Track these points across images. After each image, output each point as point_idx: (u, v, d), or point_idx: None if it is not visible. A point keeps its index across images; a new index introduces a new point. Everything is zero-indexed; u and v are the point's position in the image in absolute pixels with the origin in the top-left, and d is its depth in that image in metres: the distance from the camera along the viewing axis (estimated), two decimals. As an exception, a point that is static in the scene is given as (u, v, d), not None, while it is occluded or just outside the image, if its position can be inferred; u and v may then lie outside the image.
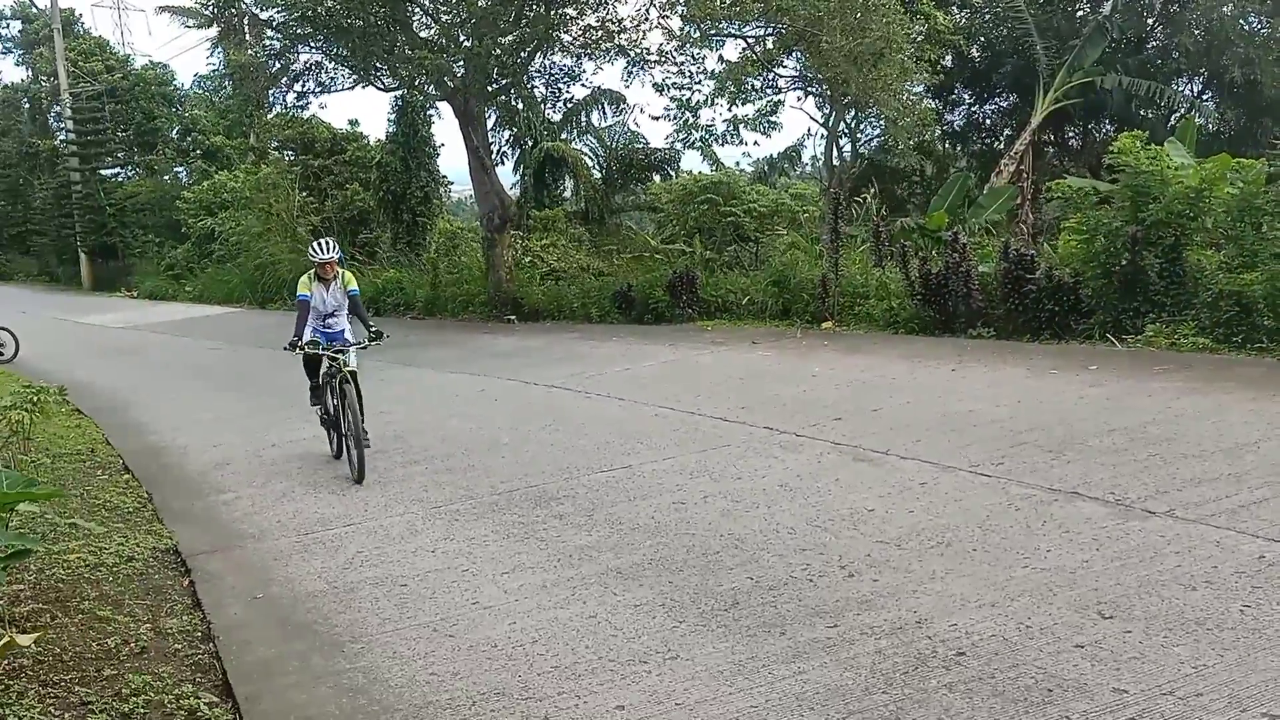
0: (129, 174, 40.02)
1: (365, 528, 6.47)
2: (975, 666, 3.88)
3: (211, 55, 21.23)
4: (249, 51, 19.64)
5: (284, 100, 22.17)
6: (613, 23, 18.64)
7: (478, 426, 9.22)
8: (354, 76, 20.53)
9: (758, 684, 3.92)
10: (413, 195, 26.10)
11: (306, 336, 8.19)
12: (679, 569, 5.19)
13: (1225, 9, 21.23)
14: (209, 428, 10.36)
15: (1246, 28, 21.43)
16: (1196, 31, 21.16)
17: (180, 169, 39.22)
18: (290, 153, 30.80)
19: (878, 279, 13.73)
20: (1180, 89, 22.42)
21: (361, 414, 7.78)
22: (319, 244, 8.31)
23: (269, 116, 23.94)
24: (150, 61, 40.83)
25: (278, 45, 19.83)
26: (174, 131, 40.07)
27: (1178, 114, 21.06)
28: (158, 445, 9.77)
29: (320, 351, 8.14)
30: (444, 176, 29.00)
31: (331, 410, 8.30)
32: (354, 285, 8.41)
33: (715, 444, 7.67)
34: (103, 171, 38.66)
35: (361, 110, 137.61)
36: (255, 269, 27.69)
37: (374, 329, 8.15)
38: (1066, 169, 20.04)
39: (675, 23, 19.10)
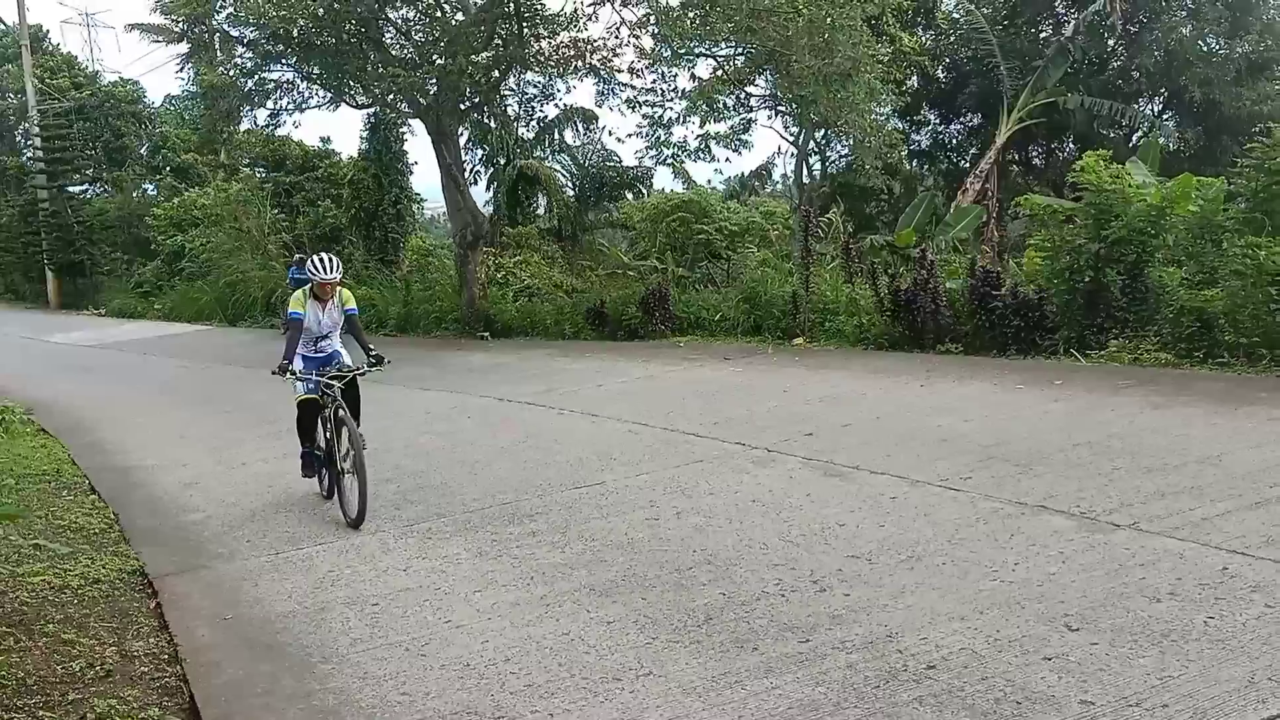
0: (97, 191, 39.62)
1: (336, 547, 6.43)
2: (945, 680, 3.92)
3: (181, 72, 21.10)
4: (220, 69, 19.55)
5: (255, 118, 22.06)
6: (584, 42, 18.75)
7: (450, 444, 9.20)
8: (327, 94, 20.49)
9: (731, 700, 3.93)
10: (385, 212, 26.05)
11: (297, 365, 7.28)
12: (652, 585, 5.20)
13: (1184, 30, 21.69)
14: (177, 446, 10.25)
15: (1205, 48, 21.90)
16: (1156, 52, 21.61)
17: (149, 186, 38.87)
18: (261, 170, 30.66)
19: (848, 296, 13.86)
20: (1141, 109, 22.85)
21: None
22: (320, 260, 7.24)
23: (240, 133, 23.80)
24: (120, 79, 40.47)
25: (249, 63, 19.77)
26: (143, 149, 39.74)
27: (1139, 133, 21.46)
28: (125, 465, 9.65)
29: (314, 378, 7.23)
30: (417, 194, 28.97)
31: (324, 443, 7.35)
32: (353, 304, 7.51)
33: (688, 460, 7.70)
34: (70, 188, 38.23)
35: (334, 127, 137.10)
36: (226, 286, 27.47)
37: (374, 352, 7.25)
38: (1031, 187, 20.34)
39: (647, 42, 19.25)
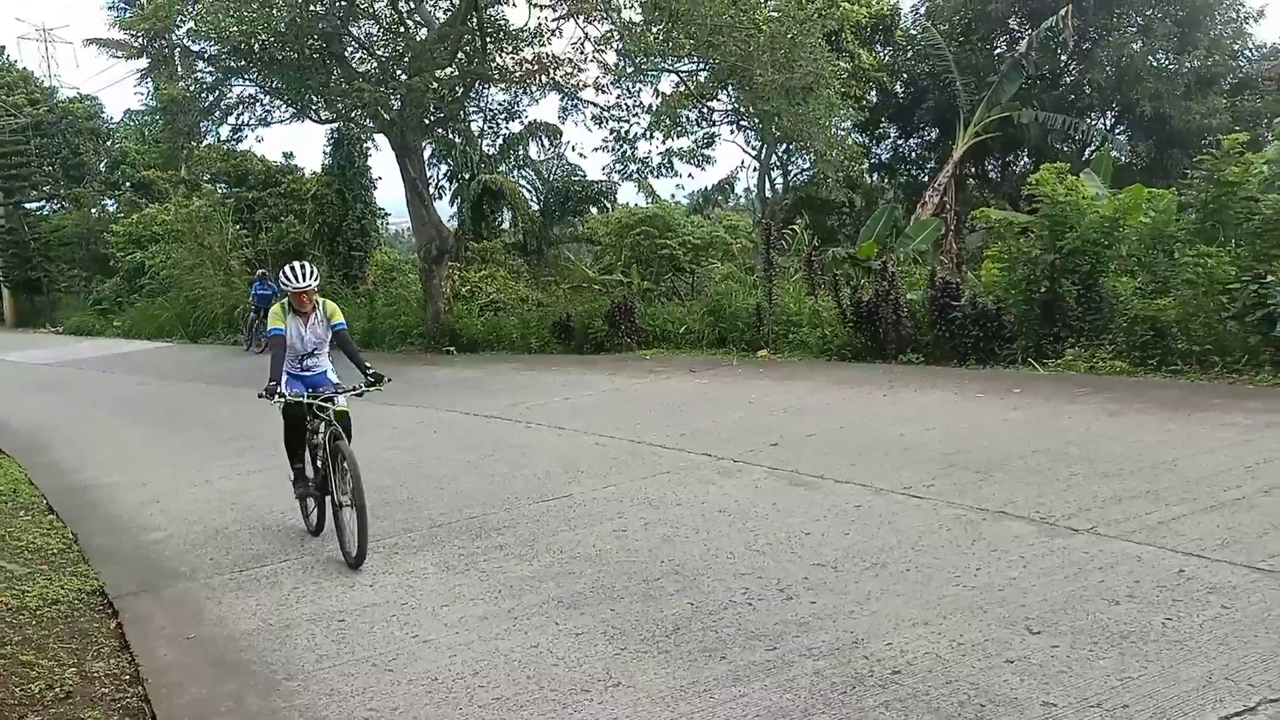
0: (55, 207, 39.05)
1: (301, 563, 6.38)
2: (910, 685, 3.96)
3: (140, 86, 20.90)
4: (180, 84, 19.39)
5: (217, 133, 21.91)
6: (548, 58, 18.82)
7: (417, 459, 9.16)
8: (289, 109, 20.38)
9: (699, 708, 3.96)
10: (349, 227, 25.92)
11: (285, 387, 6.71)
12: (620, 596, 5.21)
13: (1135, 46, 22.22)
14: (137, 465, 10.11)
15: (1155, 64, 22.45)
16: (1108, 68, 22.11)
17: (109, 202, 38.37)
18: (223, 185, 30.39)
19: (810, 308, 13.99)
20: (1094, 123, 23.36)
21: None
22: (292, 269, 6.64)
23: (200, 148, 23.61)
24: (78, 94, 39.94)
25: (210, 78, 19.62)
26: (102, 164, 39.24)
27: (1091, 147, 21.90)
28: (83, 484, 9.51)
29: (306, 399, 6.59)
30: (381, 209, 28.87)
31: (316, 472, 6.77)
32: (339, 318, 6.83)
33: (655, 471, 7.73)
34: (27, 205, 37.65)
35: (297, 143, 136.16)
36: (187, 303, 27.16)
37: (371, 370, 6.55)
38: (987, 200, 20.67)
39: (610, 57, 19.36)
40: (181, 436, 11.86)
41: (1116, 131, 23.86)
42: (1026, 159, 23.77)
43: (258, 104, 20.63)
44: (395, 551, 6.40)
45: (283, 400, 6.59)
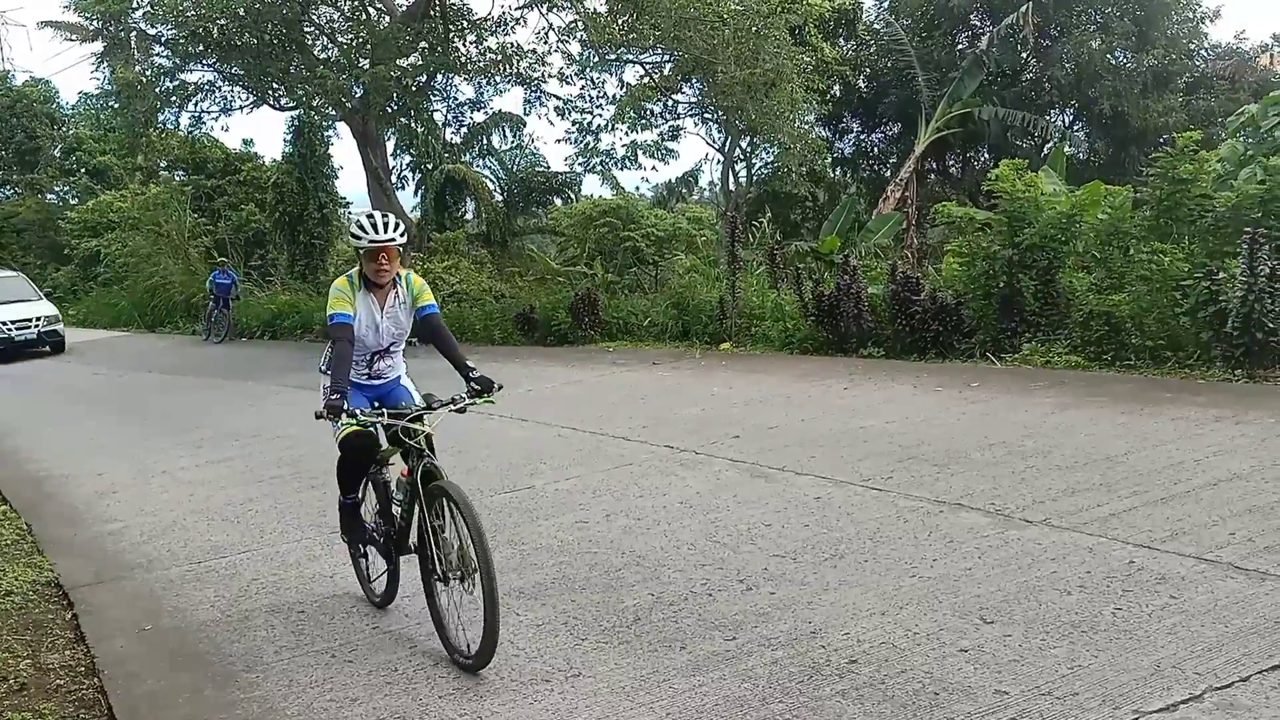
0: (8, 193, 38.23)
1: (261, 554, 6.34)
2: (866, 673, 4.02)
3: (96, 71, 20.49)
4: (136, 69, 19.06)
5: (177, 120, 21.55)
6: (512, 47, 18.74)
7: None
8: (249, 96, 20.12)
9: (659, 698, 3.99)
10: (310, 217, 25.67)
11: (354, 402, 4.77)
12: (581, 587, 5.24)
13: (1094, 44, 22.55)
14: (93, 455, 9.97)
15: (1114, 62, 22.80)
16: (1068, 65, 22.42)
17: (64, 188, 37.63)
18: (181, 172, 29.94)
19: (773, 301, 14.08)
20: (1053, 120, 23.69)
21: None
22: (370, 216, 4.76)
23: (158, 135, 23.22)
24: (31, 78, 39.07)
25: (168, 63, 19.30)
26: (56, 150, 38.45)
27: (1050, 143, 22.21)
28: (38, 474, 9.36)
29: (373, 419, 4.69)
30: (342, 198, 28.62)
31: (382, 525, 5.00)
32: (430, 298, 4.98)
33: (617, 463, 7.75)
34: (-21, 190, 36.85)
35: (257, 130, 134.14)
36: (144, 291, 26.75)
37: (476, 374, 4.75)
38: (948, 195, 20.89)
39: (574, 47, 19.31)
40: (139, 427, 11.70)
41: (1075, 128, 24.24)
42: (987, 155, 24.06)
43: (217, 90, 20.35)
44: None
45: (352, 425, 4.63)
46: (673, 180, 27.20)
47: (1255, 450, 6.50)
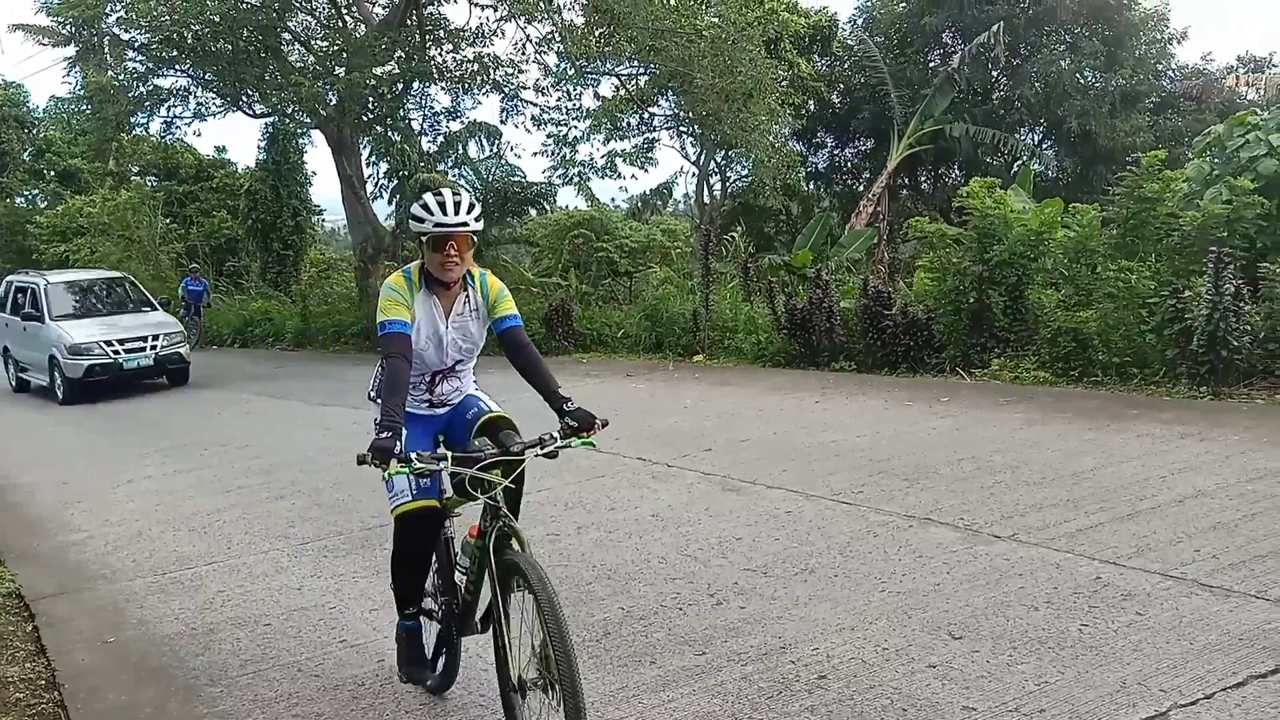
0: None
1: (227, 566, 6.26)
2: (836, 689, 4.03)
3: (68, 75, 20.23)
4: (109, 73, 18.88)
5: (147, 126, 21.34)
6: (489, 58, 18.74)
7: (349, 459, 9.02)
8: (223, 102, 19.99)
9: (628, 713, 3.98)
10: (283, 224, 25.52)
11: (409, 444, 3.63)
12: (551, 601, 5.21)
13: (1063, 64, 22.88)
14: (58, 464, 9.83)
15: (1082, 81, 23.13)
16: (1037, 84, 22.73)
17: (33, 191, 37.12)
18: (153, 178, 29.66)
19: (746, 314, 14.13)
20: (1022, 138, 23.99)
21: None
22: (438, 194, 3.72)
23: (129, 141, 23.02)
24: (3, 81, 38.56)
25: (141, 68, 19.14)
26: (25, 154, 37.93)
27: (1020, 161, 22.48)
28: (0, 483, 9.21)
29: (433, 465, 3.51)
30: (317, 205, 28.46)
31: (444, 595, 4.02)
32: (511, 307, 3.95)
33: (589, 475, 7.74)
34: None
35: (230, 136, 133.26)
36: (113, 298, 26.40)
37: (574, 406, 3.75)
38: (920, 211, 21.09)
39: (551, 59, 19.34)
40: (104, 436, 11.54)
41: (1044, 147, 24.55)
42: (958, 171, 24.32)
43: (190, 96, 20.20)
44: (324, 555, 6.32)
45: (405, 470, 3.45)
46: (647, 192, 27.28)
47: (1220, 467, 6.59)
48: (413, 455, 3.46)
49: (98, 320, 15.99)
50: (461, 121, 24.18)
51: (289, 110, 19.70)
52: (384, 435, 3.47)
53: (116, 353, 15.35)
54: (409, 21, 18.68)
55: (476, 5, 19.20)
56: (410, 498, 3.84)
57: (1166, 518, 5.68)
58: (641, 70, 19.87)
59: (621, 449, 8.51)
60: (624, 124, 21.31)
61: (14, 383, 17.20)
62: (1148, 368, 9.57)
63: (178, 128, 21.28)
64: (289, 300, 23.05)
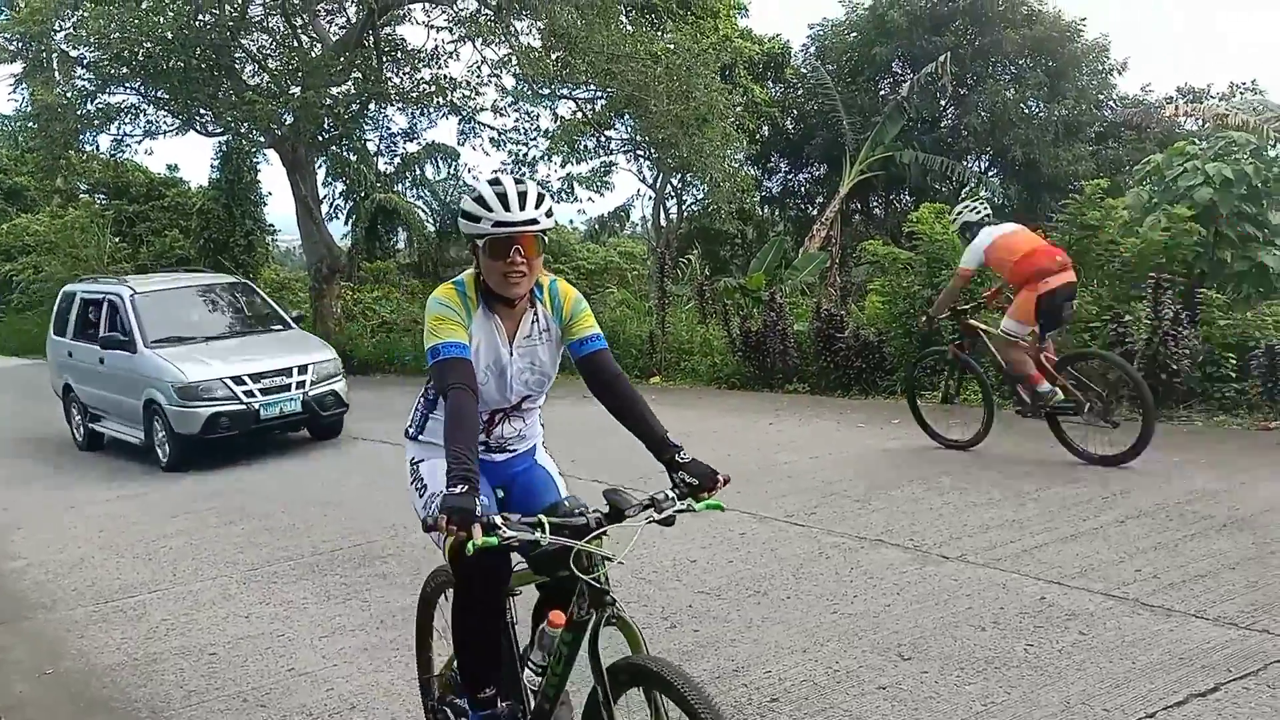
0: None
1: (173, 594, 6.15)
2: (788, 711, 4.05)
3: (15, 93, 19.84)
4: (57, 91, 18.59)
5: (95, 142, 21.00)
6: (445, 79, 18.76)
7: (299, 483, 8.94)
8: (175, 120, 19.76)
9: (580, 738, 3.96)
10: (236, 244, 25.22)
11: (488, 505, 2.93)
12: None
13: (1008, 94, 23.42)
14: (-3, 490, 9.59)
15: (1026, 111, 23.68)
16: (983, 114, 23.23)
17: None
18: (102, 196, 29.18)
19: (702, 336, 14.22)
20: (970, 165, 24.47)
21: None
22: (493, 186, 2.96)
23: (78, 159, 22.63)
24: (-55, 99, 37.74)
25: (90, 85, 18.87)
26: (-32, 171, 37.14)
27: (967, 188, 22.93)
28: (-64, 510, 8.96)
29: (528, 533, 2.68)
30: (271, 225, 28.18)
31: (524, 706, 3.16)
32: (593, 324, 3.24)
33: (543, 500, 7.70)
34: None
35: (182, 155, 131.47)
36: (60, 319, 25.87)
37: (689, 457, 3.07)
38: (871, 235, 21.40)
39: (508, 81, 19.40)
40: (48, 460, 11.28)
41: (990, 174, 25.05)
42: (908, 197, 24.72)
43: (141, 114, 19.94)
44: (274, 581, 6.24)
45: (494, 540, 2.59)
46: (605, 215, 27.39)
47: (1160, 488, 6.74)
48: (499, 519, 2.61)
49: (214, 346, 10.95)
50: (419, 143, 24.17)
51: (243, 129, 19.52)
52: (458, 489, 2.62)
53: (250, 394, 10.32)
54: (366, 42, 18.65)
55: (433, 27, 19.25)
56: (477, 540, 2.69)
57: (1109, 538, 5.79)
58: (599, 94, 20.00)
59: (578, 471, 8.45)
60: (581, 147, 21.41)
61: (81, 436, 12.21)
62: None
63: (128, 146, 21.01)
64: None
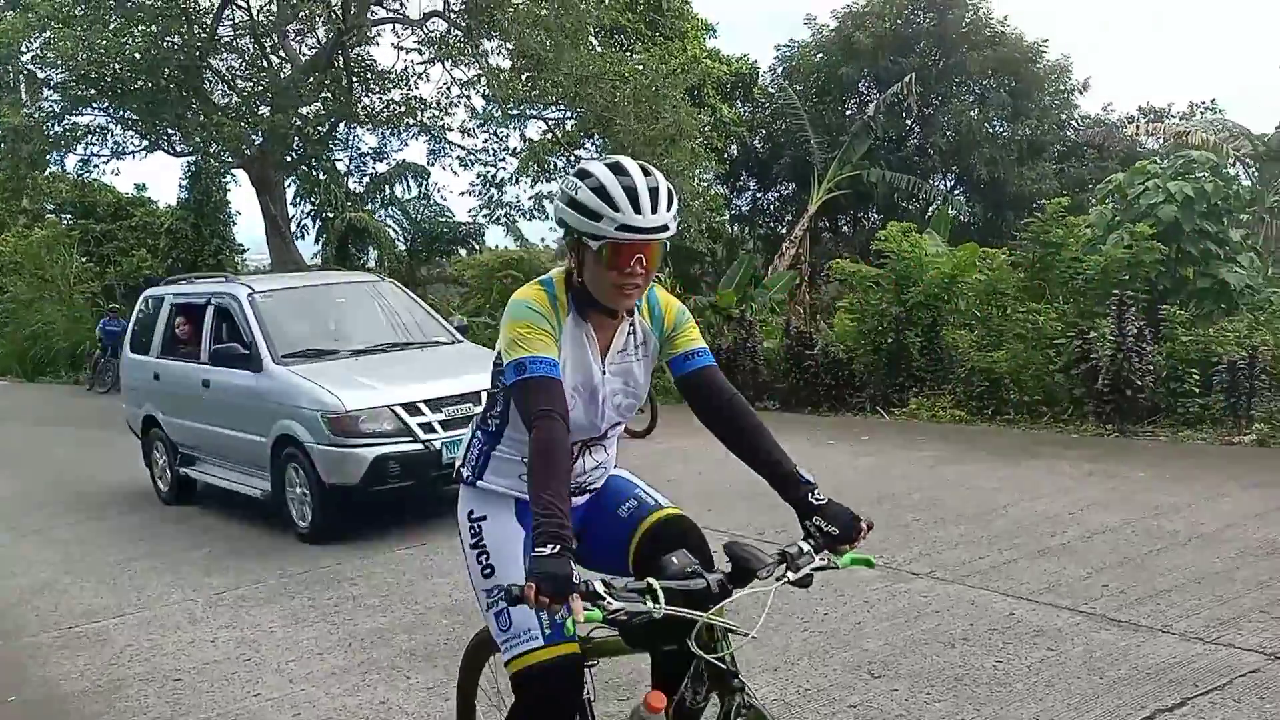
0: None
1: (138, 619, 6.06)
2: (758, 730, 4.05)
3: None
4: (24, 112, 18.41)
5: (62, 163, 20.80)
6: (415, 100, 18.78)
7: (268, 507, 8.83)
8: (143, 141, 19.63)
9: (550, 760, 3.94)
10: (205, 263, 25.04)
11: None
12: (474, 648, 5.15)
13: (972, 114, 23.73)
14: (-43, 515, 9.40)
15: (991, 131, 24.01)
16: (948, 133, 23.53)
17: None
18: (69, 216, 28.88)
19: (673, 354, 14.23)
20: (935, 184, 24.76)
21: None
22: (613, 170, 2.37)
23: (45, 179, 22.41)
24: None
25: (57, 106, 18.71)
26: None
27: (934, 206, 23.21)
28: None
29: (636, 603, 2.08)
30: (240, 244, 28.03)
31: None
32: (698, 337, 2.70)
33: (514, 520, 7.66)
34: None
35: (151, 174, 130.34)
36: (25, 339, 25.57)
37: (824, 498, 2.51)
38: (840, 253, 21.57)
39: (478, 102, 19.44)
40: (12, 481, 11.10)
41: (956, 193, 25.35)
42: (876, 215, 24.94)
43: (109, 134, 19.80)
44: (241, 604, 6.16)
45: (598, 614, 2.04)
46: (575, 233, 27.42)
47: (1125, 504, 6.83)
48: (599, 585, 2.04)
49: (367, 364, 8.20)
50: (388, 163, 24.14)
51: (211, 149, 19.42)
52: (548, 550, 2.05)
53: (429, 428, 7.44)
54: (335, 63, 18.63)
55: (402, 48, 19.26)
56: (541, 641, 2.43)
57: (1076, 554, 5.86)
58: (568, 115, 20.09)
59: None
60: (551, 166, 21.46)
61: (164, 483, 9.43)
62: (1057, 406, 9.90)
63: (95, 166, 20.83)
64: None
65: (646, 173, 2.39)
